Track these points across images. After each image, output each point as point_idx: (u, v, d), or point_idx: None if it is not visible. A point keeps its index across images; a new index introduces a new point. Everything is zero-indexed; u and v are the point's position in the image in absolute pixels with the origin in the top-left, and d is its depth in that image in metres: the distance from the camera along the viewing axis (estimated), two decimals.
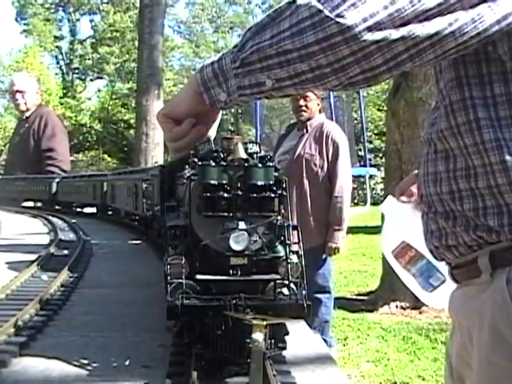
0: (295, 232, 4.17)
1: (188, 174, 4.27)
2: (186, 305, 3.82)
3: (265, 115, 33.75)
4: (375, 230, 9.20)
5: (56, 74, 51.56)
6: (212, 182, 3.99)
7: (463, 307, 1.42)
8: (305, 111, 6.56)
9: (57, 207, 18.47)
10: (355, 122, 29.17)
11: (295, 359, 4.21)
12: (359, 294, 10.12)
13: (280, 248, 4.10)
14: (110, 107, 43.51)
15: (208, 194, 4.00)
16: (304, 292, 3.97)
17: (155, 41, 29.86)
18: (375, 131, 33.45)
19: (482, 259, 1.35)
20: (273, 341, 3.88)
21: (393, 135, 8.24)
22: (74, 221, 13.51)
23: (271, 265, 4.06)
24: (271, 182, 4.01)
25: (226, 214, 4.01)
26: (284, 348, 3.97)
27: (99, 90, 49.59)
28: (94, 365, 4.21)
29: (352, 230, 12.13)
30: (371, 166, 24.52)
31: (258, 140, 28.35)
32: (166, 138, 1.64)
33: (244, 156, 4.04)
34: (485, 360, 1.29)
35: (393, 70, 1.29)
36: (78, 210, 17.20)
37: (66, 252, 9.14)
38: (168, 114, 1.60)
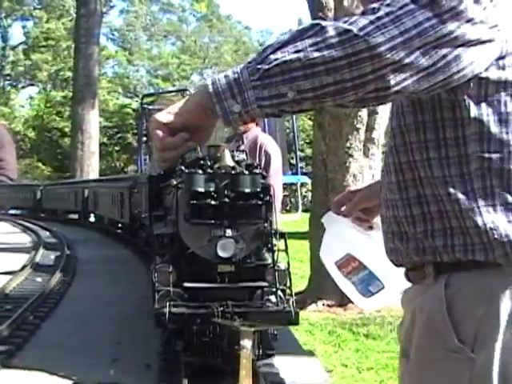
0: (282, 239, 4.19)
1: (175, 183, 4.28)
2: (173, 312, 3.83)
3: None
4: (305, 235, 9.49)
5: None
6: (199, 189, 4.00)
7: (411, 302, 1.68)
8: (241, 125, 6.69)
9: (42, 214, 18.53)
10: (287, 131, 29.70)
11: (284, 364, 4.24)
12: None
13: (267, 255, 4.12)
14: (44, 115, 43.24)
15: (195, 202, 4.01)
16: (291, 299, 3.99)
17: (91, 50, 30.05)
18: (307, 140, 33.79)
19: (427, 267, 1.61)
20: (261, 347, 3.89)
21: (319, 146, 8.67)
22: (55, 228, 13.52)
23: (258, 272, 4.08)
24: (258, 190, 4.02)
25: (213, 221, 4.02)
26: (272, 355, 3.99)
27: (31, 98, 49.28)
28: (80, 375, 4.21)
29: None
30: (302, 173, 24.80)
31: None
32: (155, 146, 1.63)
33: (231, 164, 4.06)
34: (420, 345, 1.58)
35: (399, 93, 1.45)
36: (62, 216, 17.21)
37: (51, 263, 9.14)
38: (166, 123, 1.60)
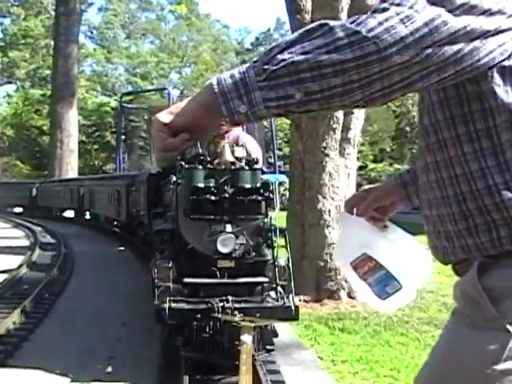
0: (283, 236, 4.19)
1: (175, 178, 4.26)
2: (173, 308, 3.82)
3: None
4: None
5: None
6: (199, 185, 3.99)
7: (456, 291, 1.69)
8: (224, 125, 6.88)
9: (37, 212, 18.51)
10: (265, 129, 29.91)
11: (284, 360, 4.25)
12: None
13: (267, 251, 4.12)
14: (22, 113, 42.78)
15: (195, 197, 4.00)
16: (291, 295, 4.00)
17: (70, 49, 29.96)
18: (285, 139, 33.91)
19: (473, 261, 1.61)
20: (261, 343, 3.90)
21: (296, 145, 8.82)
22: (50, 226, 13.47)
23: (258, 267, 4.08)
24: (258, 185, 4.02)
25: (213, 216, 4.02)
26: (272, 350, 3.99)
27: (9, 95, 48.70)
28: (80, 370, 4.18)
29: None
30: (280, 172, 25.02)
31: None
32: (156, 146, 1.62)
33: (231, 159, 4.05)
34: (457, 310, 1.64)
35: (406, 89, 1.46)
36: (58, 214, 17.17)
37: (48, 261, 9.08)
38: (169, 124, 1.58)
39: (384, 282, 1.94)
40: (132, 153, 37.70)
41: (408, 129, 35.94)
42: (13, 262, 9.16)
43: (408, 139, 36.58)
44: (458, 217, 1.60)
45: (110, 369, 4.32)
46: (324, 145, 8.25)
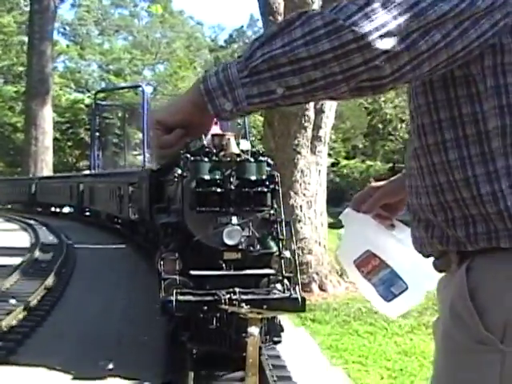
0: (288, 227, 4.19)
1: (180, 172, 4.25)
2: (180, 300, 3.80)
3: None
4: None
5: None
6: (205, 177, 3.98)
7: (442, 291, 1.60)
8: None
9: (37, 209, 18.40)
10: (238, 127, 30.15)
11: (290, 354, 4.25)
12: None
13: (273, 243, 4.12)
14: None
15: (200, 190, 3.99)
16: (298, 287, 4.00)
17: (44, 47, 29.77)
18: (258, 136, 34.03)
19: (451, 254, 1.53)
20: (268, 335, 3.90)
21: (268, 143, 9.13)
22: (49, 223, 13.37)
23: (264, 259, 4.07)
24: (264, 177, 4.02)
25: (218, 209, 4.01)
26: (279, 342, 3.99)
27: None
28: (82, 368, 4.16)
29: None
30: None
31: (145, 142, 28.92)
32: (152, 144, 1.63)
33: (237, 151, 4.05)
34: (445, 333, 1.50)
35: (397, 81, 1.35)
36: (57, 210, 17.06)
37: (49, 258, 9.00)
38: (162, 122, 1.54)
39: (389, 282, 1.86)
40: (106, 150, 37.48)
41: (380, 126, 36.04)
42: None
43: (380, 136, 36.68)
44: (437, 208, 1.52)
45: (111, 365, 4.28)
46: (296, 143, 8.52)
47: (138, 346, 4.59)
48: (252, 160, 4.03)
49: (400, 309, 1.81)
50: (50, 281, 7.09)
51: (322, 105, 8.51)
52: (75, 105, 42.43)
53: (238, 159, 4.01)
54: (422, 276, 1.80)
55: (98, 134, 31.23)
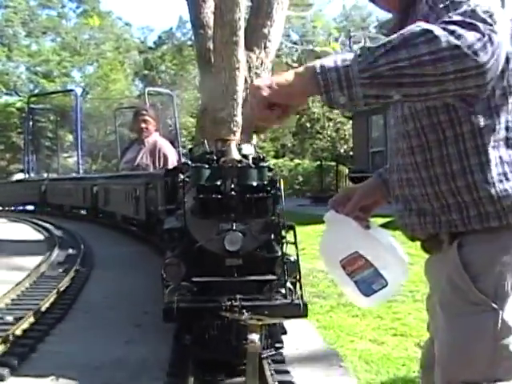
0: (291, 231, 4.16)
1: (182, 177, 4.28)
2: (182, 307, 3.82)
3: (83, 122, 34.15)
4: None
5: None
6: (206, 183, 4.00)
7: (432, 269, 1.86)
8: (144, 131, 8.31)
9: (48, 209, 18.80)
10: (170, 128, 30.20)
11: (294, 358, 4.22)
12: None
13: (275, 248, 4.10)
14: None
15: (202, 196, 4.00)
16: (300, 292, 3.97)
17: None
18: (188, 137, 33.95)
19: (442, 235, 1.76)
20: (269, 341, 3.88)
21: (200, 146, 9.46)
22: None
23: (267, 265, 4.06)
24: (265, 183, 4.01)
25: (220, 215, 4.02)
26: (281, 348, 3.97)
27: None
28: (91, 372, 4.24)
29: None
30: None
31: (79, 145, 29.32)
32: (252, 111, 1.70)
33: (237, 157, 4.04)
34: (445, 301, 1.74)
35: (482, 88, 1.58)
36: (69, 211, 17.29)
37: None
38: (269, 99, 1.62)
39: (371, 280, 2.03)
40: (39, 153, 38.16)
41: (308, 124, 36.90)
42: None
43: (308, 134, 37.58)
44: (432, 197, 1.74)
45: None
46: None
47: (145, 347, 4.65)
48: (253, 166, 4.02)
49: (376, 302, 2.10)
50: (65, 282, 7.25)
51: None
52: (6, 108, 42.74)
53: (239, 165, 4.00)
54: (400, 273, 2.03)
55: (30, 137, 31.89)
